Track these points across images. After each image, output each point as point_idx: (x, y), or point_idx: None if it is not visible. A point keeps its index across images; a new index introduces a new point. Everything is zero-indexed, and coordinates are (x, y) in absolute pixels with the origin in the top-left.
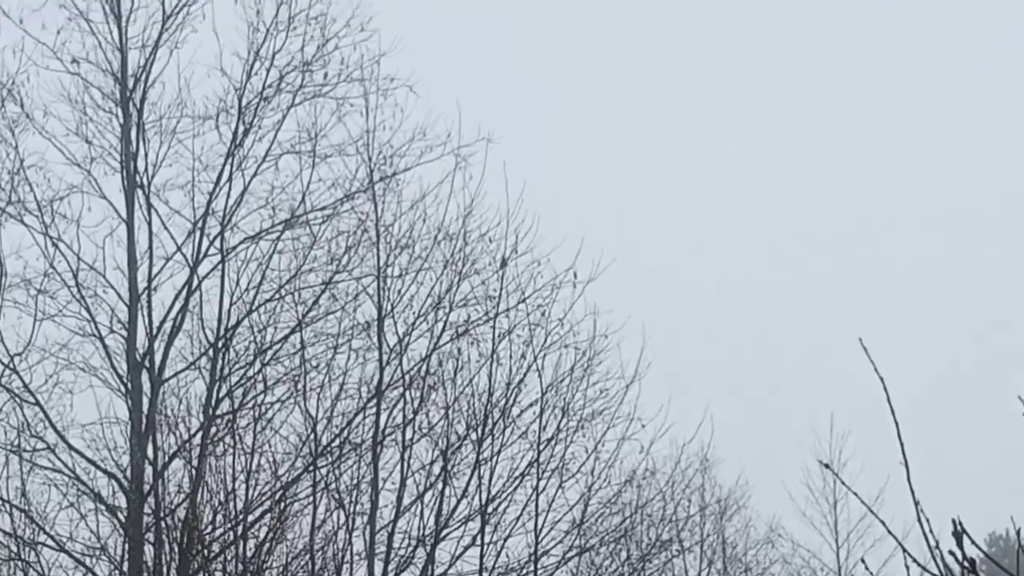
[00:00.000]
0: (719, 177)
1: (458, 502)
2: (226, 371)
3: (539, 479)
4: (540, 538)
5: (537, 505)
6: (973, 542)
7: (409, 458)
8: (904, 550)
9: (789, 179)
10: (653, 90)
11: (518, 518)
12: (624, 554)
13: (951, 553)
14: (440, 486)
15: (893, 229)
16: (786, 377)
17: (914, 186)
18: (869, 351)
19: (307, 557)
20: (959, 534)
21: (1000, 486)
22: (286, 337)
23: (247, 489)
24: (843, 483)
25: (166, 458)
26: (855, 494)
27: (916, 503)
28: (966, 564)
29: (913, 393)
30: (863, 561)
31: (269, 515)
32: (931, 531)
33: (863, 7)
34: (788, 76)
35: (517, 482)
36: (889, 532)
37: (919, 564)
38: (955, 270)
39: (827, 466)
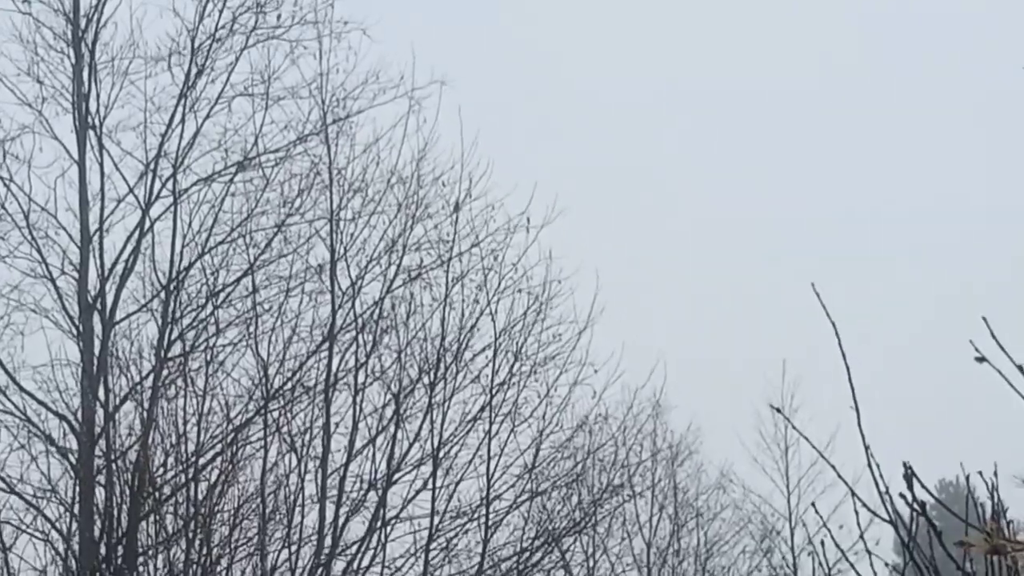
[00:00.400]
0: (703, 158)
1: (410, 446)
2: (178, 313)
3: (491, 423)
4: (492, 482)
5: (489, 449)
6: (923, 486)
7: (361, 401)
8: (854, 494)
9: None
10: (638, 77)
11: (470, 462)
12: (576, 498)
13: (901, 496)
14: (392, 430)
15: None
16: (747, 339)
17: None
18: (822, 296)
19: (258, 500)
20: (909, 477)
21: (952, 435)
22: (238, 280)
23: (199, 432)
24: (794, 427)
25: (117, 400)
26: (806, 438)
27: (867, 447)
28: (916, 507)
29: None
30: (813, 506)
31: (221, 458)
32: (881, 476)
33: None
34: (776, 58)
35: (469, 426)
36: (839, 476)
37: (869, 509)
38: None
39: (778, 410)
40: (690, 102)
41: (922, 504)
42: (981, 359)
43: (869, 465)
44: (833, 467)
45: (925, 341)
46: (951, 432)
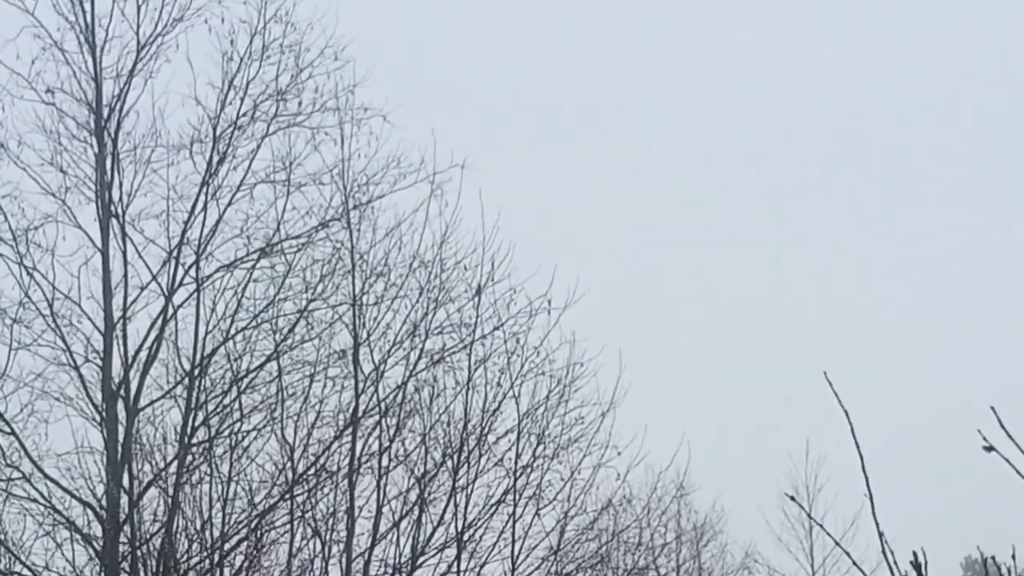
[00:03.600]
0: (702, 205)
1: (434, 529)
2: (202, 399)
3: (515, 506)
4: (517, 565)
5: (514, 532)
6: None
7: (385, 486)
8: None
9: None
10: (663, 155)
11: (495, 545)
12: None
13: None
14: (416, 513)
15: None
16: (765, 404)
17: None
18: (835, 385)
19: None
20: (918, 565)
21: (979, 510)
22: (262, 365)
23: (223, 517)
24: (810, 517)
25: (142, 487)
26: (822, 527)
27: (880, 535)
28: None
29: (901, 421)
30: None
31: (245, 543)
32: (895, 563)
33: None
34: (773, 107)
35: (493, 509)
36: (856, 565)
37: None
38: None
39: (793, 499)
40: (718, 187)
41: None
42: (989, 448)
43: (884, 553)
44: (849, 555)
45: (952, 415)
46: (983, 505)
